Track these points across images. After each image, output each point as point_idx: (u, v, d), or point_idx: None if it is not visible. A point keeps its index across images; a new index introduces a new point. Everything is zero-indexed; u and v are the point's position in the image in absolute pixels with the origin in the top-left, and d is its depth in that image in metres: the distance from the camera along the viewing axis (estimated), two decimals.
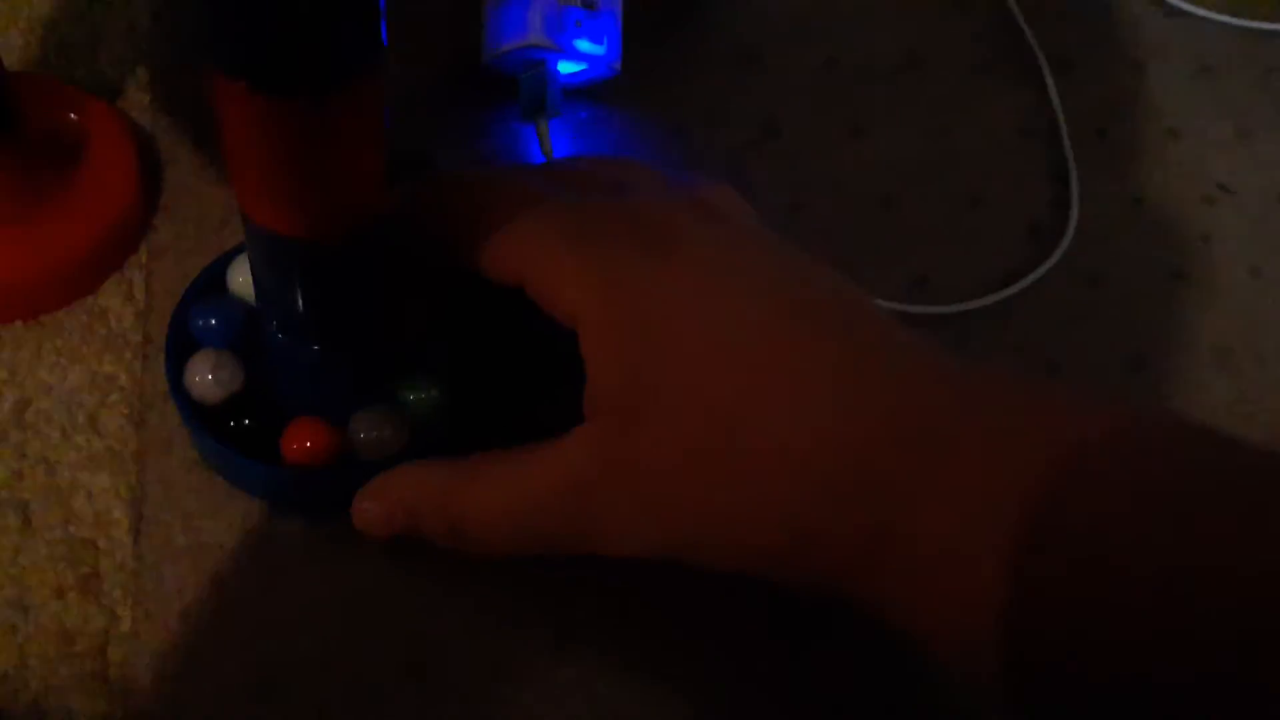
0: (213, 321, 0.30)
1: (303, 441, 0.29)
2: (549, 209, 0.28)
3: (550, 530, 0.27)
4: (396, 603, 0.30)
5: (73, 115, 0.35)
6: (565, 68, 0.37)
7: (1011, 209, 0.39)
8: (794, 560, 0.25)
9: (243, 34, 0.21)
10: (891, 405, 0.24)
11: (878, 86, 0.41)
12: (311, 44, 0.21)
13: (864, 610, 0.25)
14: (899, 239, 0.38)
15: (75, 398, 0.32)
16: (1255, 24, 0.43)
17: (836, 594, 0.25)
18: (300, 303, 0.27)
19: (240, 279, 0.31)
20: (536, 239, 0.27)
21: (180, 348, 0.30)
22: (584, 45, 0.36)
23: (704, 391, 0.25)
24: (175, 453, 0.32)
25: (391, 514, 0.29)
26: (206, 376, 0.29)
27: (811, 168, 0.39)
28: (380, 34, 0.22)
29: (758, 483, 0.24)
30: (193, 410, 0.29)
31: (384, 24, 0.22)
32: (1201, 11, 0.43)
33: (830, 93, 0.41)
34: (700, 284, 0.26)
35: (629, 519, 0.26)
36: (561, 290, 0.26)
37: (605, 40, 0.37)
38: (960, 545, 0.22)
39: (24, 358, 0.32)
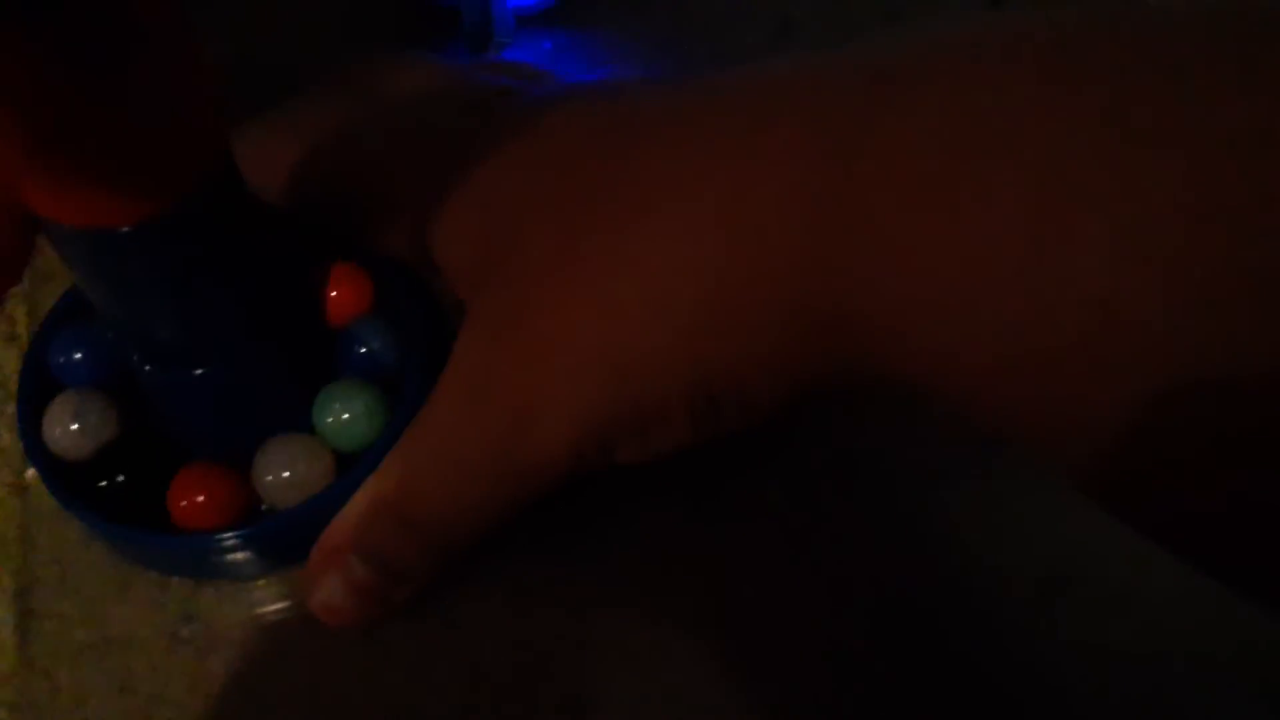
0: (76, 355, 0.24)
1: (193, 496, 0.22)
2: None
3: (481, 457, 0.21)
4: (367, 688, 0.23)
5: None
6: None
7: None
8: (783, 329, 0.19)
9: None
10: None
11: None
12: None
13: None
14: None
15: None
16: None
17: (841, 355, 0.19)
18: (140, 316, 0.20)
19: None
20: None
21: (39, 392, 0.24)
22: None
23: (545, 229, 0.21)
24: (72, 524, 0.25)
25: (348, 577, 0.21)
26: (69, 426, 0.23)
27: None
28: None
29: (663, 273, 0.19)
30: (54, 469, 0.23)
31: None
32: None
33: None
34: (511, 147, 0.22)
35: (552, 379, 0.20)
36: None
37: None
38: None
39: None
